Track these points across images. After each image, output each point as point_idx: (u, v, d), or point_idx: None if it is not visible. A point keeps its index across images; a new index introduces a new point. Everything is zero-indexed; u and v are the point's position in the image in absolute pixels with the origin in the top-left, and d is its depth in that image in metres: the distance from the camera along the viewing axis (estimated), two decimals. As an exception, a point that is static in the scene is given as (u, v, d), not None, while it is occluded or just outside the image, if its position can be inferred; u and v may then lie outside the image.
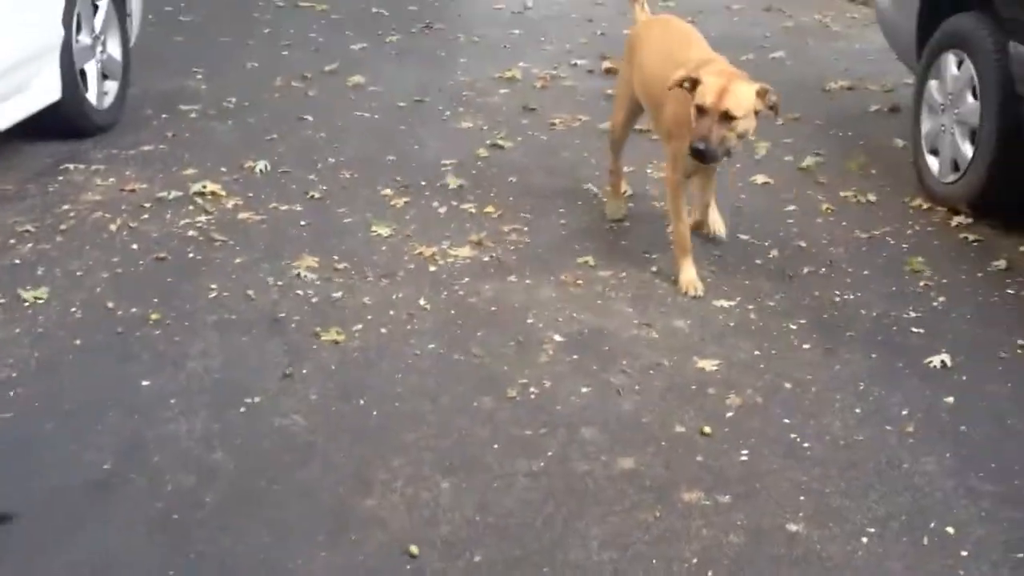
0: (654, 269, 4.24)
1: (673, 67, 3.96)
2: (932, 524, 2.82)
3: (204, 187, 4.89)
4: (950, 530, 2.79)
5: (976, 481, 2.99)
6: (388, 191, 4.97)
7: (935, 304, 4.02)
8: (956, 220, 4.70)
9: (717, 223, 4.49)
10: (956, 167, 4.79)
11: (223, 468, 3.03)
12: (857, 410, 3.33)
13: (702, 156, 3.76)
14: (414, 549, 2.70)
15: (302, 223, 4.64)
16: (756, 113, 3.81)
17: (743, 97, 3.74)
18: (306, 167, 5.25)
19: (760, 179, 5.19)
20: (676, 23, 4.57)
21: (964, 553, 2.71)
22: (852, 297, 4.06)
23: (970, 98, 4.72)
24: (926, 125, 5.06)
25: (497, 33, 7.98)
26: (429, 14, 8.48)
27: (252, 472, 3.01)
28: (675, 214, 4.11)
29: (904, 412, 3.32)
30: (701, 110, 3.73)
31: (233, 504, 2.88)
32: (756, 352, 3.65)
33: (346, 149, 5.52)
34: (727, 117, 3.71)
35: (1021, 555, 2.70)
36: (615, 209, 4.69)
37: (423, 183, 5.06)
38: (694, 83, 3.79)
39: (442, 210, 4.79)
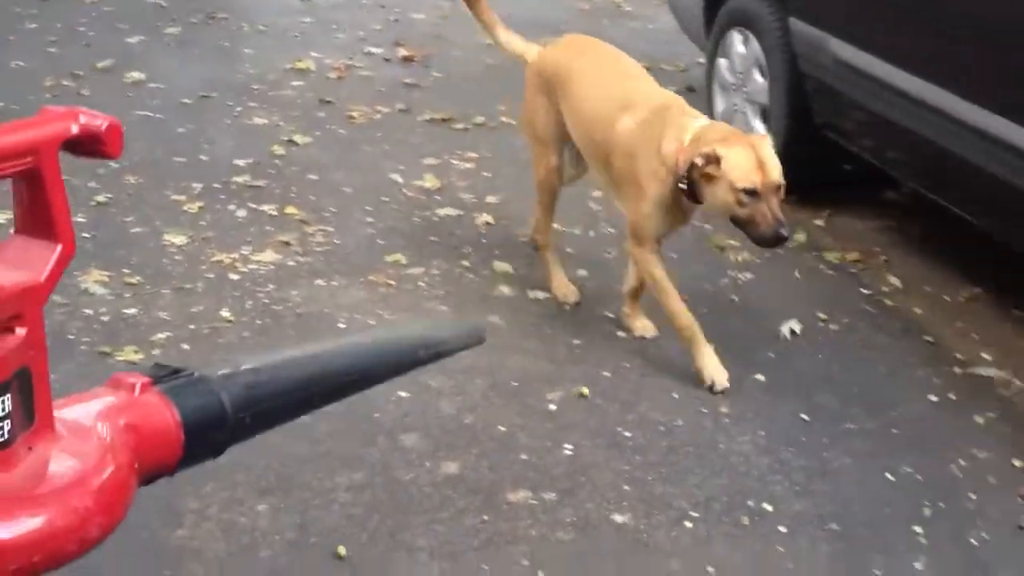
0: (466, 264, 4.19)
1: (619, 107, 3.43)
2: (751, 503, 2.88)
3: (-24, 201, 4.53)
4: (768, 507, 2.87)
5: (789, 456, 3.08)
6: (179, 196, 4.73)
7: (740, 282, 4.13)
8: (752, 198, 4.84)
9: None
10: (750, 146, 4.93)
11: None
12: (674, 395, 3.37)
13: (782, 241, 3.18)
14: None
15: (86, 235, 4.34)
16: None
17: (775, 159, 3.21)
18: (85, 174, 4.92)
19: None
20: (602, 47, 3.89)
21: (783, 529, 2.79)
22: (660, 280, 4.12)
23: (758, 76, 4.86)
24: (719, 104, 5.19)
25: (285, 21, 7.73)
26: (211, 3, 8.13)
27: (49, 512, 2.79)
28: (661, 290, 3.42)
29: (719, 392, 3.38)
30: (751, 193, 3.11)
31: (30, 550, 2.66)
32: (574, 342, 3.66)
33: (129, 152, 5.18)
34: (779, 188, 3.15)
35: (835, 526, 2.79)
36: (565, 287, 3.85)
37: (217, 186, 4.84)
38: (709, 159, 3.12)
39: (240, 213, 4.59)
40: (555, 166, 3.77)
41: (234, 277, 4.05)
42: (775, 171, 3.14)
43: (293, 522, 2.77)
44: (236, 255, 4.20)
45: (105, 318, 3.73)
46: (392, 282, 4.04)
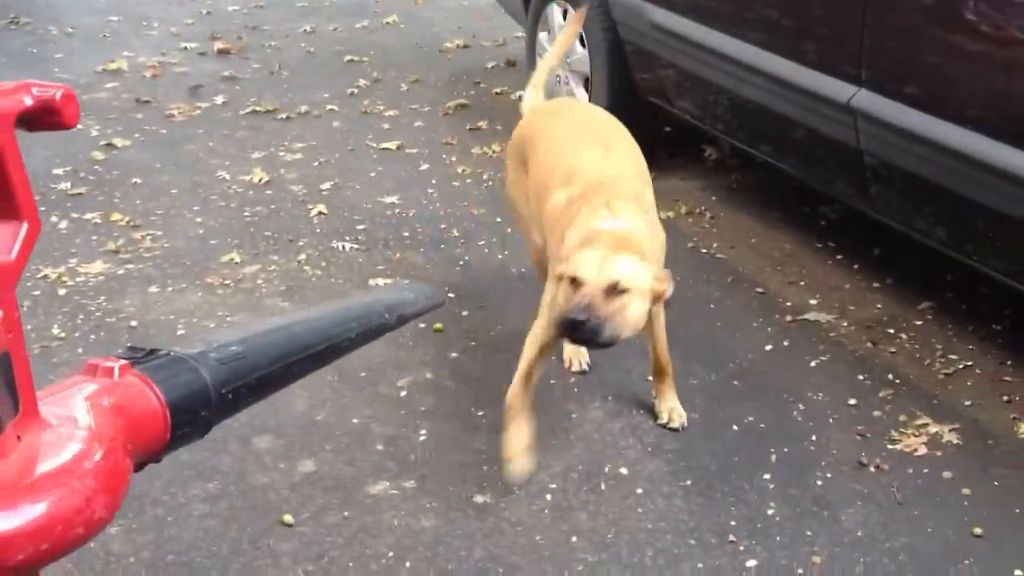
0: (303, 257, 4.13)
1: (560, 179, 2.99)
2: (607, 468, 2.95)
3: None
4: (624, 471, 2.94)
5: (639, 419, 3.16)
6: (-3, 211, 4.51)
7: (576, 251, 4.20)
8: (582, 166, 4.91)
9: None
10: (575, 115, 5.01)
11: None
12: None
13: (574, 330, 2.65)
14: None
15: (-101, 261, 4.11)
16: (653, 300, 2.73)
17: (631, 270, 2.66)
18: None
19: (392, 145, 5.19)
20: (580, 110, 3.51)
21: (640, 490, 2.86)
22: (502, 256, 4.15)
23: (579, 47, 4.94)
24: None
25: (94, 22, 7.44)
26: (13, 7, 7.76)
27: None
28: (520, 366, 2.97)
29: (565, 363, 3.44)
30: (575, 282, 2.65)
31: None
32: (420, 326, 3.65)
33: (-61, 169, 4.94)
34: (614, 290, 2.62)
35: (689, 482, 2.88)
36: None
37: (36, 197, 4.62)
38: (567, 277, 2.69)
39: (63, 224, 4.42)
40: (542, 246, 3.19)
41: (62, 292, 3.90)
42: (616, 270, 2.63)
43: (148, 541, 2.70)
44: (62, 268, 4.04)
45: (-75, 349, 3.54)
46: (229, 282, 3.96)
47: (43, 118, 0.98)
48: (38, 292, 3.89)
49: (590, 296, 2.61)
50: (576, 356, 3.41)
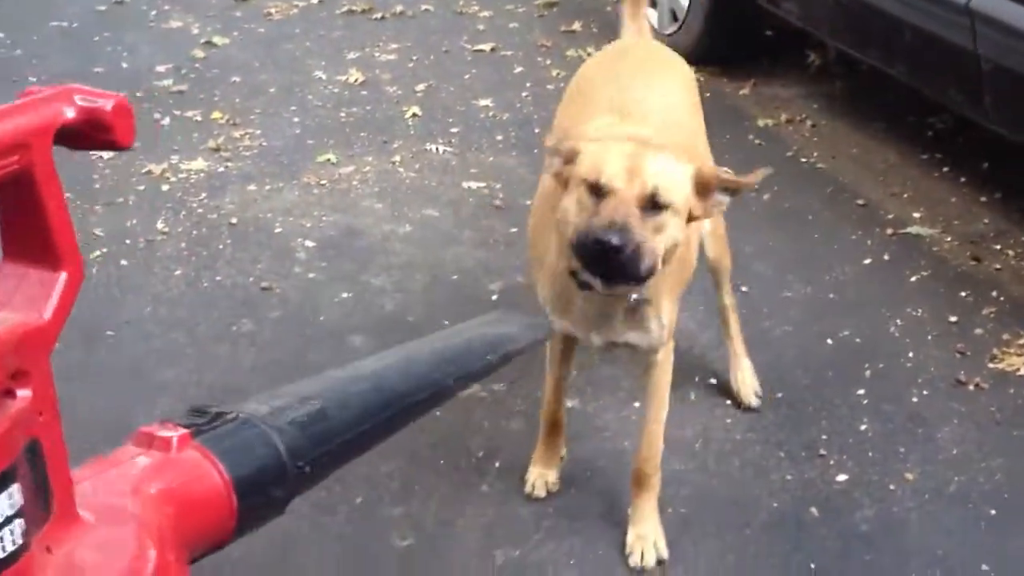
0: (397, 159, 4.15)
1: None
2: (696, 378, 2.95)
3: None
4: (713, 381, 2.94)
5: (730, 329, 3.13)
6: (102, 107, 4.61)
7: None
8: (681, 71, 4.82)
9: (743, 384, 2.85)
10: (675, 17, 4.90)
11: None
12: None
13: (605, 261, 1.97)
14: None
15: (10, 154, 4.24)
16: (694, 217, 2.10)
17: (672, 176, 2.03)
18: (4, 90, 4.77)
19: (487, 47, 5.14)
20: (638, 51, 2.76)
21: (728, 402, 2.86)
22: (594, 162, 4.12)
23: (681, -54, 4.80)
24: (642, -23, 5.13)
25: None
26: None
27: None
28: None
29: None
30: (596, 190, 2.01)
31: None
32: (511, 230, 3.66)
33: (48, 65, 5.05)
34: (653, 205, 2.00)
35: (780, 394, 2.86)
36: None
37: (139, 94, 4.71)
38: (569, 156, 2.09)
39: (165, 121, 4.49)
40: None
41: (165, 188, 3.99)
42: (654, 176, 1.99)
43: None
44: (165, 165, 4.12)
45: (36, 240, 3.66)
46: (325, 182, 4.00)
47: (90, 134, 0.79)
48: (142, 187, 3.99)
49: (626, 209, 1.95)
50: (747, 392, 2.78)
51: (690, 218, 2.07)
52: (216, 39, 5.28)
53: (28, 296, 0.76)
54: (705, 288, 3.31)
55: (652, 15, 5.04)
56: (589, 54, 5.01)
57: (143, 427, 0.86)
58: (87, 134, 0.78)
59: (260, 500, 0.88)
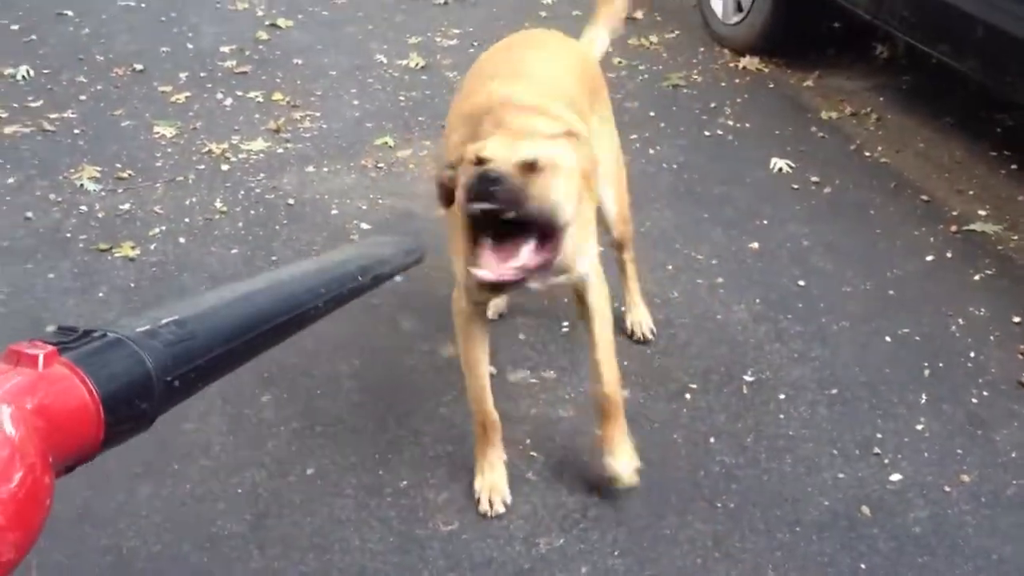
0: (455, 144, 4.14)
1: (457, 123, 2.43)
2: (749, 372, 2.90)
3: (-42, 102, 4.48)
4: (767, 375, 2.89)
5: (786, 323, 3.09)
6: (167, 87, 4.66)
7: (731, 148, 4.09)
8: (743, 62, 4.76)
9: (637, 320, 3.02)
10: (740, 7, 4.83)
11: (24, 414, 2.82)
12: (669, 267, 3.37)
13: (487, 196, 2.00)
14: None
15: (76, 131, 4.31)
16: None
17: (548, 148, 2.13)
18: (73, 68, 4.85)
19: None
20: (532, 35, 2.89)
21: (782, 396, 2.81)
22: (653, 152, 4.08)
23: (748, -65, 4.73)
24: (709, -35, 5.07)
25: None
26: None
27: (57, 413, 2.82)
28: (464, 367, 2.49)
29: (713, 263, 3.38)
30: (480, 162, 2.08)
31: (41, 451, 2.70)
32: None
33: (115, 44, 5.12)
34: (531, 169, 2.06)
35: (835, 391, 2.82)
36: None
37: (203, 74, 4.77)
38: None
39: (227, 102, 4.53)
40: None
41: (225, 167, 4.02)
42: (521, 151, 2.08)
43: (297, 411, 2.80)
44: (226, 144, 4.16)
45: (100, 214, 3.72)
46: (382, 165, 4.01)
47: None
48: (203, 166, 4.02)
49: (503, 166, 2.03)
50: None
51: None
52: (280, 21, 5.31)
53: None
54: (759, 282, 3.27)
55: (717, 4, 4.98)
56: (651, 42, 4.97)
57: (11, 345, 0.86)
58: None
59: (127, 414, 0.90)
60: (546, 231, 2.04)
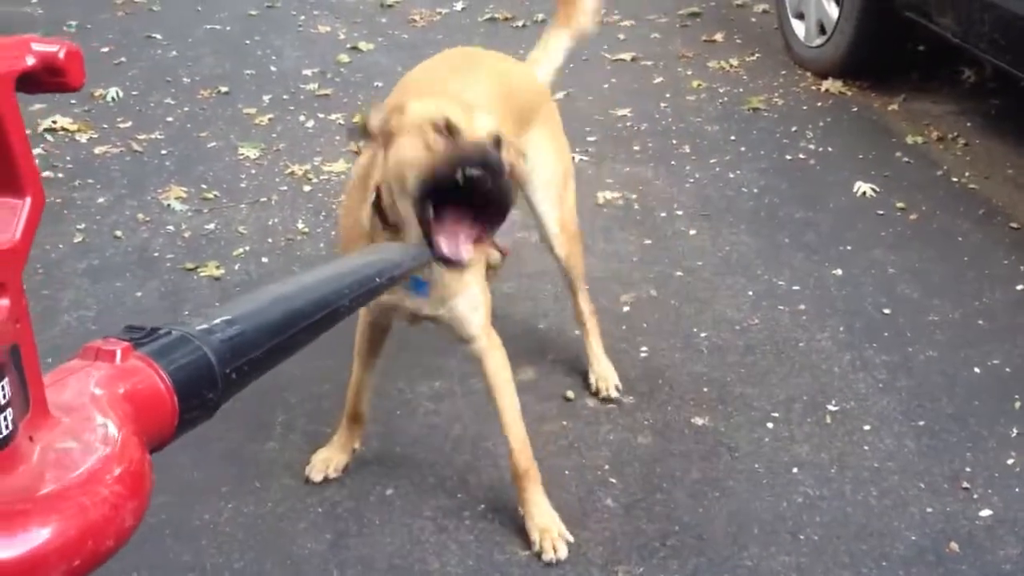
0: (534, 167, 4.15)
1: None
2: (833, 401, 2.86)
3: (54, 123, 4.60)
4: (851, 405, 2.84)
5: (871, 352, 3.03)
6: (251, 108, 4.75)
7: (813, 172, 4.04)
8: (825, 85, 4.71)
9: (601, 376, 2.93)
10: (823, 30, 4.78)
11: (112, 429, 2.88)
12: (749, 293, 3.34)
13: (482, 181, 1.90)
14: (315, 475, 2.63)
15: (164, 151, 4.41)
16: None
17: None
18: (161, 90, 4.97)
19: (627, 56, 5.11)
20: (455, 54, 2.89)
21: (867, 427, 2.76)
22: (733, 176, 4.05)
23: (833, -42, 4.69)
24: (794, -14, 5.03)
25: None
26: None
27: (143, 430, 2.88)
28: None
29: (795, 289, 3.34)
30: (447, 130, 2.00)
31: (127, 466, 2.75)
32: (645, 242, 3.63)
33: (201, 67, 5.24)
34: (498, 143, 2.03)
35: (922, 422, 2.76)
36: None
37: (286, 97, 4.85)
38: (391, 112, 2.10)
39: (309, 124, 4.60)
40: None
41: (307, 188, 4.08)
42: (483, 121, 2.05)
43: (377, 432, 2.82)
44: (308, 166, 4.22)
45: (187, 234, 3.79)
46: (463, 188, 4.03)
47: (45, 79, 0.88)
48: (285, 188, 4.09)
49: (487, 141, 1.96)
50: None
51: None
52: (361, 44, 5.38)
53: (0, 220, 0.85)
54: (842, 310, 3.22)
55: (799, 27, 4.94)
56: (732, 65, 4.94)
57: (89, 343, 0.94)
58: (43, 79, 0.87)
59: (196, 403, 0.98)
60: (495, 210, 1.93)
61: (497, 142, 2.00)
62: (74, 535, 0.78)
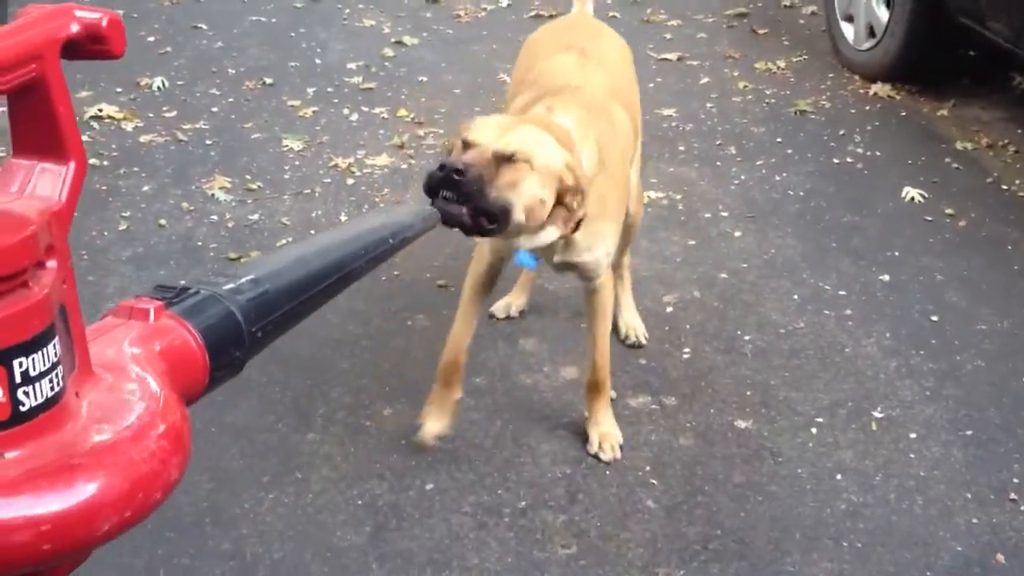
0: (578, 164, 4.14)
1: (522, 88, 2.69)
2: (879, 408, 2.82)
3: (100, 110, 4.63)
4: (897, 412, 2.81)
5: (918, 360, 2.99)
6: (295, 101, 4.76)
7: (861, 177, 4.00)
8: (874, 88, 4.66)
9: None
10: (872, 33, 4.73)
11: (154, 416, 2.90)
12: (795, 296, 3.31)
13: (444, 185, 2.20)
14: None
15: (208, 142, 4.42)
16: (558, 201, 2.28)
17: (537, 144, 2.27)
18: (206, 80, 4.99)
19: (673, 56, 5.08)
20: (580, 20, 3.06)
21: (913, 435, 2.73)
22: (779, 178, 4.01)
23: (883, -41, 4.64)
24: (844, -12, 4.98)
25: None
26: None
27: (185, 417, 2.89)
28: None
29: (841, 294, 3.31)
30: (466, 145, 2.28)
31: (169, 453, 2.77)
32: (689, 243, 3.60)
33: (246, 58, 5.26)
34: (507, 160, 2.23)
35: (969, 432, 2.72)
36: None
37: (330, 89, 4.86)
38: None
39: (353, 117, 4.61)
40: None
41: (350, 181, 4.08)
42: (507, 138, 2.26)
43: (418, 426, 2.81)
44: (352, 159, 4.22)
45: (230, 224, 3.81)
46: (506, 185, 4.02)
47: (88, 46, 0.90)
48: (328, 180, 4.09)
49: (476, 156, 2.19)
50: (633, 331, 3.06)
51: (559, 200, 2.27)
52: (406, 39, 5.39)
53: (45, 184, 0.89)
54: (889, 316, 3.18)
55: (848, 30, 4.89)
56: (779, 67, 4.90)
57: (123, 301, 0.97)
58: (85, 46, 0.90)
59: (226, 360, 1.01)
60: (490, 217, 2.20)
61: (506, 158, 2.20)
62: (126, 488, 0.82)
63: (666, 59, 5.07)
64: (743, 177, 4.02)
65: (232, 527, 2.51)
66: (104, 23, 0.90)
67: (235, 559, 2.42)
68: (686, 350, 3.08)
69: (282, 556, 2.43)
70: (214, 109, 4.69)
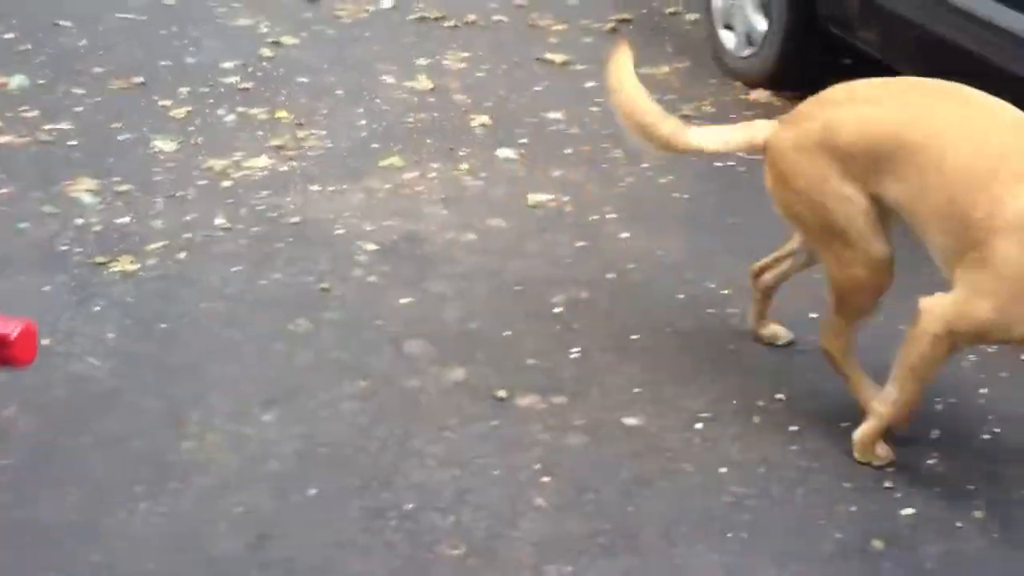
0: (464, 167, 4.09)
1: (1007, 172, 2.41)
2: (762, 402, 2.85)
3: (-46, 111, 4.41)
4: (779, 407, 2.84)
5: (800, 357, 3.03)
6: (167, 101, 4.60)
7: (742, 179, 4.05)
8: (754, 94, 4.73)
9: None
10: (751, 41, 4.81)
11: (16, 427, 2.74)
12: (680, 296, 3.32)
13: None
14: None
15: (73, 143, 4.24)
16: None
17: None
18: (70, 79, 4.78)
19: (559, 59, 5.08)
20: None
21: (794, 428, 2.76)
22: (664, 180, 4.03)
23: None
24: (719, -1, 5.05)
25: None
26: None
27: (50, 427, 2.75)
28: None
29: (725, 293, 3.33)
30: None
31: (33, 465, 2.62)
32: (577, 245, 3.59)
33: (113, 56, 5.05)
34: None
35: (847, 424, 2.76)
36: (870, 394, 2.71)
37: (204, 90, 4.70)
38: None
39: (229, 118, 4.47)
40: (884, 257, 2.63)
41: (227, 184, 3.95)
42: None
43: (300, 432, 2.73)
44: (228, 161, 4.10)
45: (97, 228, 3.65)
46: (388, 186, 3.95)
47: None
48: (204, 183, 3.96)
49: None
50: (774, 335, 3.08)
51: None
52: (285, 39, 5.26)
53: None
54: (774, 313, 3.21)
55: (728, 38, 4.96)
56: (663, 72, 4.94)
57: None
58: None
59: None
60: None
61: None
62: None
63: (552, 63, 5.07)
64: (629, 179, 4.03)
65: (103, 540, 2.40)
66: (14, 335, 0.94)
67: (104, 571, 2.30)
68: (575, 349, 3.06)
69: (154, 567, 2.32)
70: (78, 109, 4.49)
